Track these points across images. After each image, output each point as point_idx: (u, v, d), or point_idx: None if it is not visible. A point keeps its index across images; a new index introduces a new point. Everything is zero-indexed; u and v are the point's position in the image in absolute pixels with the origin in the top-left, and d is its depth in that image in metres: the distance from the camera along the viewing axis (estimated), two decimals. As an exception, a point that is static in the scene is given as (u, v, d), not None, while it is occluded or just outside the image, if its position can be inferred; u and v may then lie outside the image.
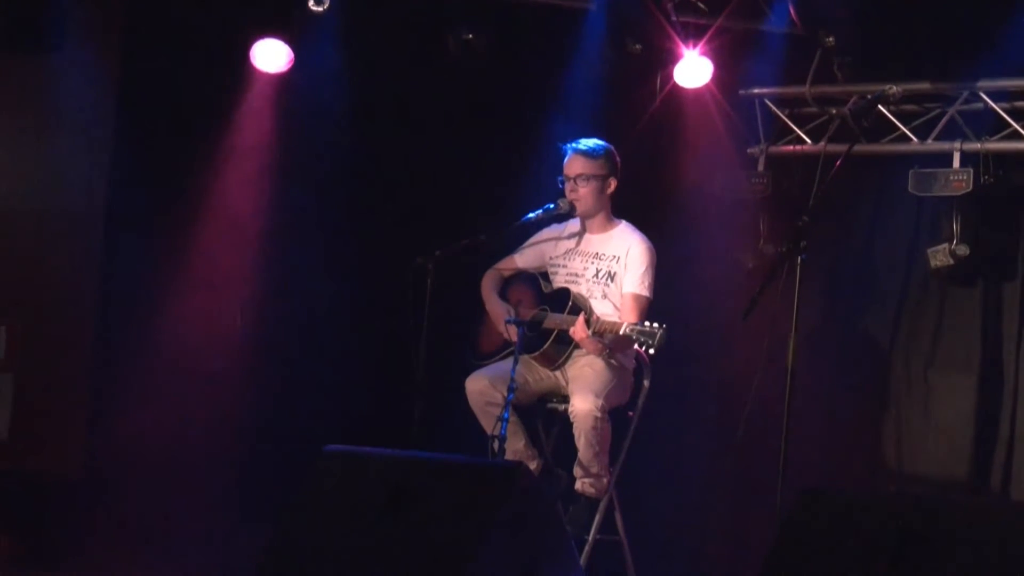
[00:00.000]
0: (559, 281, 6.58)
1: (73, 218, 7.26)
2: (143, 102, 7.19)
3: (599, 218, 6.57)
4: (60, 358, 7.21)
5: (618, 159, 6.55)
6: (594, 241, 6.58)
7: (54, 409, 7.14)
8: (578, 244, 6.62)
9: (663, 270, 6.55)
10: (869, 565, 4.37)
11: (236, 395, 7.35)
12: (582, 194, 6.51)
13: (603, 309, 6.41)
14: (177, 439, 7.17)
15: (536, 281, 6.68)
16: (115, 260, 7.21)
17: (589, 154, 6.51)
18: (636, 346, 6.13)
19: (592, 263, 6.53)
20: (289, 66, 7.23)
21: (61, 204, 7.24)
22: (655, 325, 6.04)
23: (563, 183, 6.54)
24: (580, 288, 6.49)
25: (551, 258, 6.66)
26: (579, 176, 6.51)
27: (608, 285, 6.47)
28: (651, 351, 6.05)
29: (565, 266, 6.60)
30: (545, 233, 6.71)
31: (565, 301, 6.42)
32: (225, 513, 7.26)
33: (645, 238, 6.51)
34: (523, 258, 6.76)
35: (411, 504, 4.89)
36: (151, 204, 7.19)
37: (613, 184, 6.55)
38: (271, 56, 7.20)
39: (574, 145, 6.53)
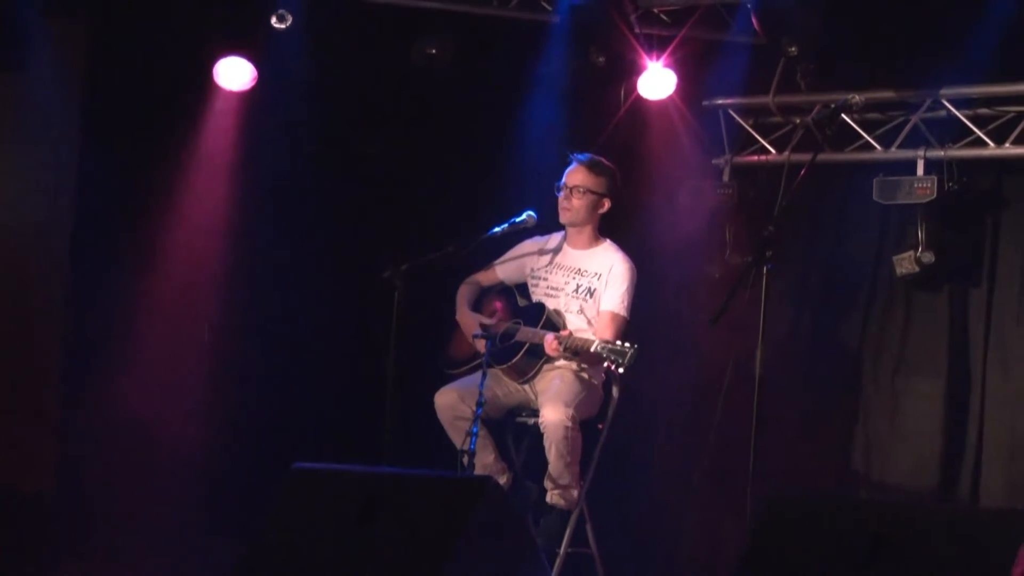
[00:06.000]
0: (538, 294, 6.58)
1: (40, 232, 7.26)
2: (107, 118, 7.19)
3: (585, 234, 6.56)
4: (29, 370, 7.18)
5: (619, 184, 6.56)
6: (577, 256, 6.57)
7: (24, 422, 7.11)
8: (561, 258, 6.60)
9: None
10: (839, 572, 4.38)
11: (206, 408, 7.33)
12: (575, 205, 6.51)
13: (577, 324, 6.42)
14: (148, 452, 7.15)
15: (512, 294, 6.68)
16: (82, 273, 7.21)
17: (593, 168, 6.51)
18: (606, 364, 6.14)
19: (573, 278, 6.52)
20: (253, 83, 7.23)
21: (28, 218, 7.25)
22: (626, 344, 6.05)
23: (559, 190, 6.54)
24: (558, 302, 6.49)
25: (532, 270, 6.65)
26: (577, 187, 6.50)
27: (586, 300, 6.47)
28: (620, 370, 6.07)
29: (545, 279, 6.59)
30: (528, 245, 6.70)
31: (539, 315, 6.42)
32: (196, 526, 7.24)
33: (628, 258, 6.51)
34: (504, 269, 6.75)
35: (380, 519, 4.88)
36: (117, 219, 7.21)
37: (607, 205, 6.54)
38: (234, 74, 7.21)
39: (581, 156, 6.54)
